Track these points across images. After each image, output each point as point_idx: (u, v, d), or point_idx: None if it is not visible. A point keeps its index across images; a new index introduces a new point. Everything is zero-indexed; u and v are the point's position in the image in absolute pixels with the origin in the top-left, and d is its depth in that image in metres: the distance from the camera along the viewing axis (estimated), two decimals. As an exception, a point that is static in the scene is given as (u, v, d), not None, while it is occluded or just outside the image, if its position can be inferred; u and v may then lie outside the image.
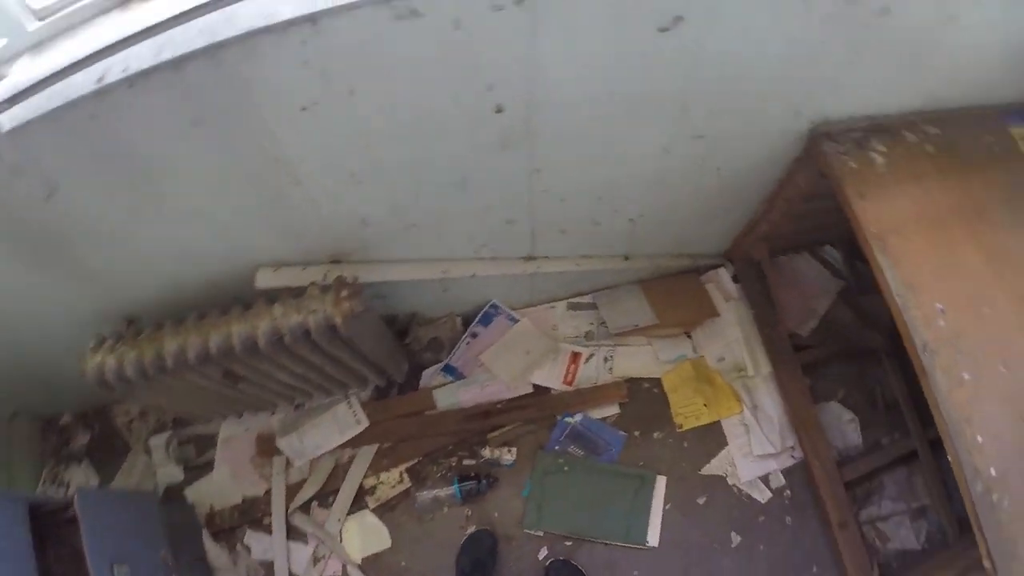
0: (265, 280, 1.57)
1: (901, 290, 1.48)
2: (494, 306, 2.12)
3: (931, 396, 1.44)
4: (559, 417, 2.07)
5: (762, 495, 2.13)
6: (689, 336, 2.23)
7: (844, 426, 2.28)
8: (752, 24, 1.17)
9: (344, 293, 1.41)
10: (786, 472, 2.15)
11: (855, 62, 1.39)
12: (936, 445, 2.21)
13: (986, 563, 1.38)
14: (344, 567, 2.00)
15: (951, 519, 2.16)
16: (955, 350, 1.47)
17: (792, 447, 2.15)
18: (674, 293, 2.19)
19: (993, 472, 1.41)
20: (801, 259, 2.42)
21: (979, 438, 1.41)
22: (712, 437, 2.16)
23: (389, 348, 1.88)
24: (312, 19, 0.89)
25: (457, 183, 1.38)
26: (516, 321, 2.13)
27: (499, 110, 1.15)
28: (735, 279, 2.29)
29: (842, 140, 1.59)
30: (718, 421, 2.15)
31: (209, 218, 1.32)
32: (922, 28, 1.34)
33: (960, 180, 1.65)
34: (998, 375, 1.48)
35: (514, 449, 1.99)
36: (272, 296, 1.46)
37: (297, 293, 1.45)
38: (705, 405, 2.15)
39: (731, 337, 2.23)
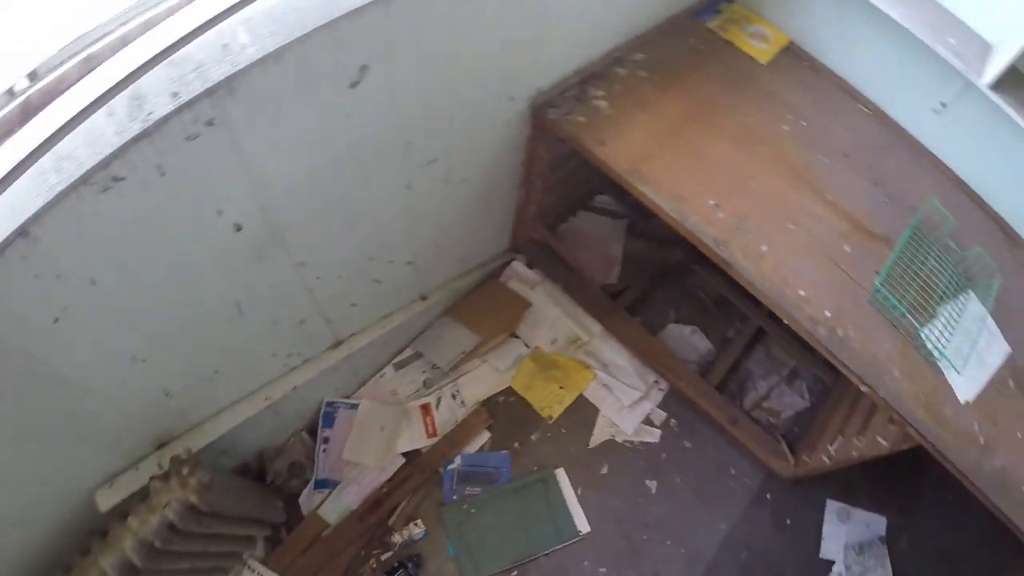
0: (107, 500, 1.69)
1: (672, 205, 1.87)
2: (330, 404, 2.35)
3: (743, 279, 1.85)
4: (441, 470, 2.36)
5: (652, 436, 2.55)
6: (516, 335, 2.61)
7: (690, 339, 2.77)
8: (435, 50, 1.41)
9: (185, 471, 1.52)
10: (662, 405, 2.60)
11: (543, 36, 1.72)
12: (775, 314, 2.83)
13: (863, 388, 1.82)
14: None
15: (820, 366, 2.71)
16: (743, 232, 1.90)
17: (655, 381, 2.59)
18: (483, 306, 2.55)
19: (827, 313, 1.87)
20: (580, 218, 2.87)
21: (801, 292, 1.86)
22: (583, 411, 2.56)
23: (256, 497, 2.00)
24: (22, 231, 0.94)
25: (234, 313, 1.51)
26: (356, 407, 2.38)
27: (239, 228, 1.28)
28: (530, 266, 2.70)
29: (562, 103, 1.95)
30: (580, 394, 2.55)
31: (17, 476, 1.38)
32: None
33: (681, 88, 2.09)
34: (789, 233, 1.95)
35: (419, 520, 2.20)
36: (123, 510, 1.54)
37: (143, 495, 1.54)
38: (561, 387, 2.53)
39: (552, 318, 2.63)
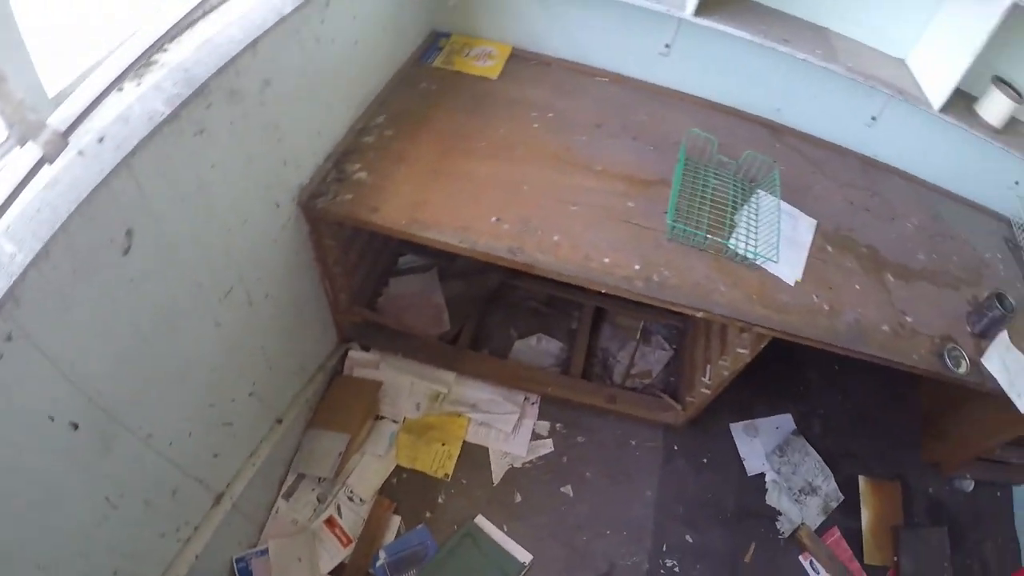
0: None
1: (459, 237, 2.03)
2: (239, 559, 2.33)
3: (551, 272, 2.04)
4: (371, 571, 2.42)
5: (546, 447, 2.72)
6: (381, 417, 2.71)
7: (539, 347, 2.96)
8: (186, 191, 1.47)
9: None
10: (542, 416, 2.79)
11: (284, 139, 1.85)
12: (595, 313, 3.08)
13: (699, 315, 2.09)
14: None
15: (664, 315, 2.82)
16: (532, 231, 2.10)
17: (525, 398, 2.77)
18: (338, 404, 2.63)
19: (637, 267, 2.10)
20: (393, 284, 3.01)
21: (606, 260, 2.09)
22: (474, 456, 2.70)
23: None
24: None
25: (107, 510, 1.49)
26: (266, 552, 2.39)
27: (75, 426, 1.27)
28: (366, 348, 2.81)
29: (326, 189, 2.08)
30: (464, 442, 2.69)
31: None
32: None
33: (428, 130, 2.27)
34: (573, 214, 2.17)
35: (373, 628, 2.26)
36: None
37: None
38: (443, 444, 2.66)
39: (407, 386, 2.76)
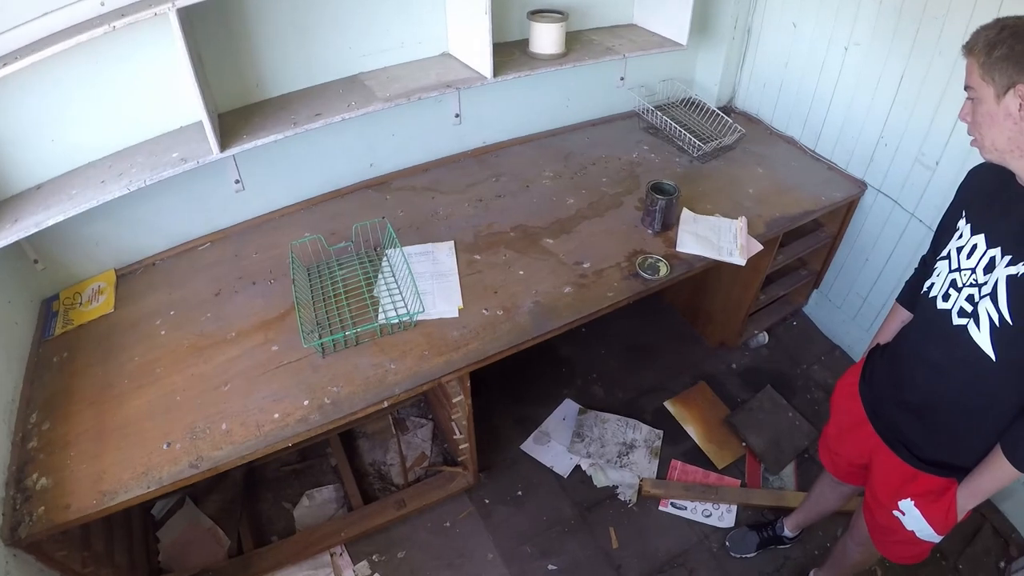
0: None
1: (145, 484, 1.82)
2: None
3: (241, 459, 1.87)
4: None
5: None
6: None
7: (316, 502, 2.76)
8: None
9: None
10: (355, 559, 2.56)
11: None
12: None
13: (385, 404, 2.01)
14: None
15: (406, 405, 2.85)
16: (203, 433, 1.94)
17: (331, 554, 2.56)
18: None
19: (308, 402, 2.11)
20: (161, 534, 2.71)
21: (276, 415, 1.95)
22: None
23: None
24: None
25: None
26: None
27: None
28: None
29: (20, 514, 1.78)
30: None
31: None
32: None
33: (71, 400, 2.06)
34: (226, 394, 2.03)
35: None
36: None
37: None
38: None
39: None
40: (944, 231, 1.51)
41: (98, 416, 2.01)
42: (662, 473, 2.76)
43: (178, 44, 1.81)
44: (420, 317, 2.11)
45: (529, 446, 2.71)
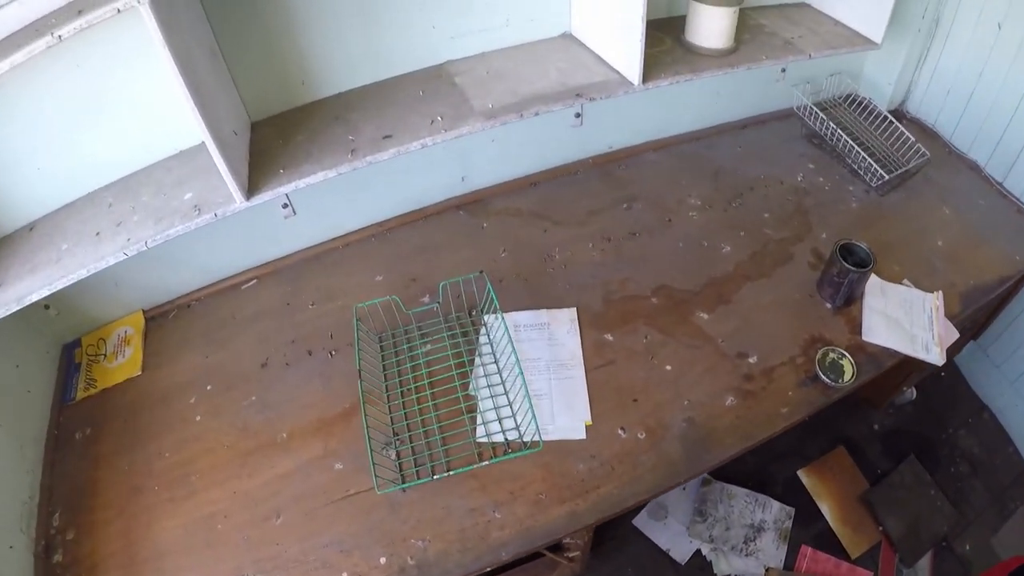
0: None
1: None
2: None
3: None
4: None
5: None
6: None
7: None
8: None
9: None
10: None
11: None
12: None
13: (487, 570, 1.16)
14: None
15: None
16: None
17: None
18: None
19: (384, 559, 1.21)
20: None
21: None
22: None
23: None
24: None
25: None
26: None
27: None
28: None
29: None
30: None
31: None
32: None
33: (100, 505, 1.51)
34: (279, 529, 1.44)
35: None
36: None
37: None
38: None
39: None
40: None
41: (127, 534, 1.41)
42: (790, 559, 2.13)
43: (159, 47, 1.08)
44: (536, 439, 1.43)
45: (643, 521, 2.14)
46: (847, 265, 1.54)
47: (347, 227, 1.80)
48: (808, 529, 2.22)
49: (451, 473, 1.38)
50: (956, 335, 1.64)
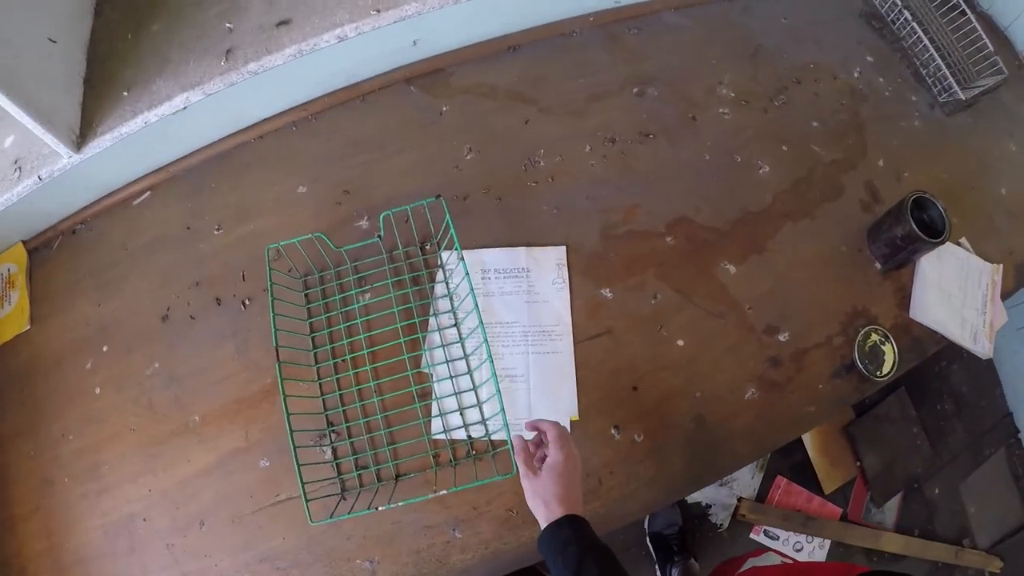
0: None
1: None
2: None
3: None
4: None
5: None
6: None
7: None
8: None
9: None
10: None
11: None
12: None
13: None
14: None
15: None
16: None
17: None
18: None
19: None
20: None
21: None
22: None
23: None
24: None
25: None
26: None
27: None
28: None
29: None
30: None
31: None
32: None
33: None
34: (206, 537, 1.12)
35: None
36: None
37: None
38: None
39: None
40: None
41: (48, 534, 1.14)
42: (764, 489, 2.01)
43: None
44: (497, 435, 1.08)
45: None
46: (918, 231, 1.09)
47: (259, 114, 1.30)
48: (787, 459, 2.06)
49: (400, 504, 1.05)
50: (1004, 319, 1.27)
